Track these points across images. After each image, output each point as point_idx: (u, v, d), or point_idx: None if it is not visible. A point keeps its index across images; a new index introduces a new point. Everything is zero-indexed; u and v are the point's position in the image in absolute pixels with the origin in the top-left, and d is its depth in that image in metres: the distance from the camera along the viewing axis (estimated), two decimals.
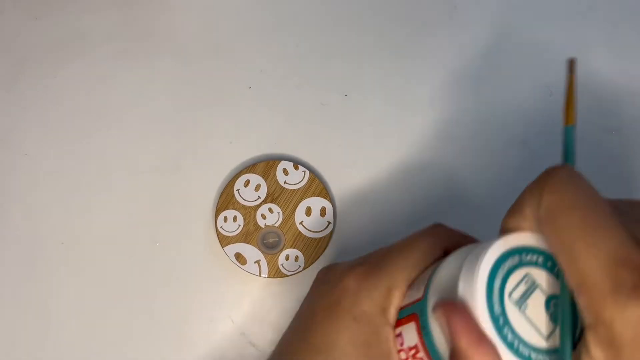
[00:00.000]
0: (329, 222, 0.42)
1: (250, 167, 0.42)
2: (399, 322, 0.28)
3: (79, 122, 0.44)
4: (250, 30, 0.47)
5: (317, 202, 0.42)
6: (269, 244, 0.41)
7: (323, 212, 0.42)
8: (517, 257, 0.23)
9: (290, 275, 0.41)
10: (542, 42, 0.47)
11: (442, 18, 0.47)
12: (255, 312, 0.42)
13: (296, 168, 0.42)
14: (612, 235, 0.20)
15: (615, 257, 0.19)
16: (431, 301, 0.25)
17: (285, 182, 0.42)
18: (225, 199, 0.42)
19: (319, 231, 0.41)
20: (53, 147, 0.44)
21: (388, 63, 0.46)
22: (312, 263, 0.41)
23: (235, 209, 0.42)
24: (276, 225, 0.42)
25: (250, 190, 0.42)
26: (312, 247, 0.41)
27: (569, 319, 0.22)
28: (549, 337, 0.23)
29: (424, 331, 0.25)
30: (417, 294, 0.27)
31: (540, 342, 0.22)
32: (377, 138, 0.45)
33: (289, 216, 0.42)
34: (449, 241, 0.30)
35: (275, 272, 0.41)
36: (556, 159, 0.45)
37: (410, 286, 0.29)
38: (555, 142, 0.45)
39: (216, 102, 0.45)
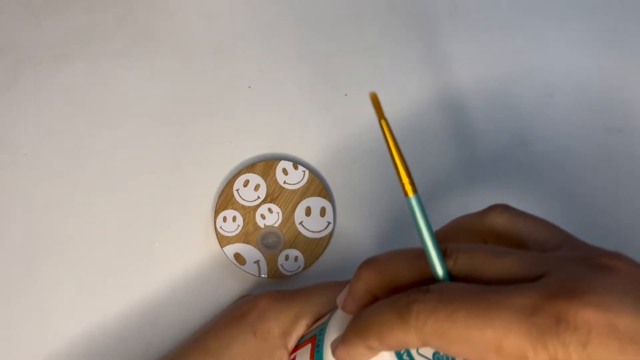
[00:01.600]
0: (329, 222, 0.42)
1: (249, 167, 0.42)
2: (296, 348, 0.29)
3: (79, 122, 0.44)
4: (250, 30, 0.47)
5: (316, 202, 0.42)
6: (269, 244, 0.41)
7: (323, 212, 0.42)
8: None
9: (290, 275, 0.41)
10: (542, 42, 0.47)
11: (442, 18, 0.47)
12: None
13: (296, 168, 0.42)
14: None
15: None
16: (331, 330, 0.26)
17: (284, 182, 0.42)
18: (225, 199, 0.42)
19: (319, 231, 0.41)
20: (53, 147, 0.44)
21: (388, 63, 0.46)
22: (312, 263, 0.41)
23: (234, 209, 0.41)
24: (276, 225, 0.41)
25: (250, 190, 0.42)
26: (311, 247, 0.41)
27: None
28: None
29: (317, 355, 0.26)
30: (320, 322, 0.28)
31: None
32: (377, 138, 0.45)
33: (288, 216, 0.42)
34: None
35: (275, 273, 0.41)
36: (556, 158, 0.45)
37: (318, 320, 0.30)
38: (555, 142, 0.45)
39: (216, 102, 0.45)
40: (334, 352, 0.23)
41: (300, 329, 0.31)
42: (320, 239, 0.41)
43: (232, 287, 0.42)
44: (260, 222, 0.41)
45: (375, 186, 0.44)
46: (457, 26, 0.47)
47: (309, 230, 0.41)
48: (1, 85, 0.45)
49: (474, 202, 0.44)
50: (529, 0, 0.48)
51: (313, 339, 0.28)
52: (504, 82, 0.46)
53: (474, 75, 0.46)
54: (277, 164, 0.42)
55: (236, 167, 0.44)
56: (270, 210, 0.42)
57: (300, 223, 0.41)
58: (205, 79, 0.45)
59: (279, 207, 0.42)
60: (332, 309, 0.29)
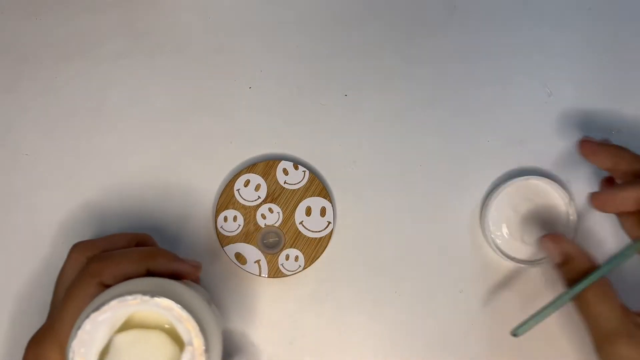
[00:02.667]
0: (329, 222, 0.42)
1: (250, 167, 0.42)
2: None
3: (79, 122, 0.44)
4: (250, 30, 0.47)
5: (317, 202, 0.42)
6: (269, 243, 0.41)
7: (323, 212, 0.42)
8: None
9: (290, 275, 0.41)
10: (542, 42, 0.47)
11: (442, 18, 0.47)
12: (255, 312, 0.42)
13: (296, 168, 0.42)
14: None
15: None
16: None
17: (285, 182, 0.42)
18: (226, 199, 0.42)
19: (319, 231, 0.41)
20: (53, 147, 0.44)
21: (388, 63, 0.46)
22: (312, 263, 0.41)
23: (235, 209, 0.42)
24: (276, 225, 0.42)
25: (250, 190, 0.42)
26: (312, 247, 0.41)
27: None
28: None
29: None
30: None
31: None
32: (377, 138, 0.45)
33: (289, 216, 0.42)
34: (109, 276, 0.31)
35: (275, 272, 0.41)
36: (555, 158, 0.45)
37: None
38: (555, 142, 0.45)
39: (216, 102, 0.45)
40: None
41: None
42: (320, 238, 0.41)
43: (232, 287, 0.42)
44: (261, 222, 0.41)
45: (375, 186, 0.44)
46: (457, 26, 0.47)
47: (309, 230, 0.41)
48: (2, 85, 0.45)
49: (474, 201, 0.44)
50: (529, 0, 0.48)
51: None
52: (503, 80, 0.46)
53: (474, 75, 0.46)
54: (277, 164, 0.42)
55: (237, 167, 0.44)
56: (270, 210, 0.42)
57: (301, 223, 0.42)
58: (205, 79, 0.45)
59: (280, 207, 0.42)
60: None
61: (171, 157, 0.44)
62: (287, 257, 0.41)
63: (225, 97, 0.45)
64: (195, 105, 0.45)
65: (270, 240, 0.41)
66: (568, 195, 0.43)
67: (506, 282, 0.43)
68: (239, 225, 0.41)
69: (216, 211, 0.42)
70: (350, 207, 0.43)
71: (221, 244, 0.41)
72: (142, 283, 0.30)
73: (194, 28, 0.47)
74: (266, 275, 0.41)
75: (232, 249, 0.41)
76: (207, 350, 0.27)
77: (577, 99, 0.46)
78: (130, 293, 0.27)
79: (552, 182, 0.42)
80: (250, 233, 0.41)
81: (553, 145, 0.45)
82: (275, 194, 0.42)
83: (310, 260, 0.41)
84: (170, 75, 0.45)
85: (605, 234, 0.44)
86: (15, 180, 0.44)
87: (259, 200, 0.42)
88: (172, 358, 0.28)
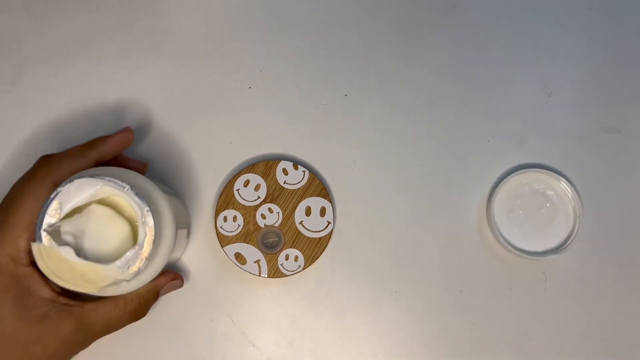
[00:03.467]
0: (329, 222, 0.42)
1: (250, 167, 0.42)
2: None
3: (79, 122, 0.44)
4: (250, 30, 0.47)
5: (317, 202, 0.42)
6: (269, 243, 0.41)
7: (323, 212, 0.42)
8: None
9: (290, 275, 0.41)
10: (542, 42, 0.47)
11: (442, 18, 0.47)
12: (255, 312, 0.42)
13: (296, 168, 0.42)
14: None
15: None
16: None
17: (285, 182, 0.42)
18: (225, 199, 0.42)
19: (319, 231, 0.41)
20: (53, 147, 0.44)
21: (388, 63, 0.46)
22: (312, 263, 0.41)
23: (235, 209, 0.42)
24: (276, 225, 0.42)
25: (250, 190, 0.42)
26: (311, 247, 0.41)
27: None
28: None
29: None
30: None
31: None
32: (377, 138, 0.45)
33: (288, 216, 0.42)
34: (59, 173, 0.33)
35: (275, 272, 0.41)
36: (554, 157, 0.45)
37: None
38: (554, 142, 0.45)
39: (216, 102, 0.45)
40: None
41: (22, 245, 0.32)
42: (321, 238, 0.41)
43: (232, 287, 0.42)
44: (261, 222, 0.41)
45: (375, 186, 0.44)
46: (457, 26, 0.47)
47: (309, 230, 0.41)
48: (3, 85, 0.45)
49: (473, 201, 0.44)
50: (529, 0, 0.48)
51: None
52: (503, 80, 0.46)
53: (474, 75, 0.46)
54: (277, 164, 0.42)
55: (236, 167, 0.44)
56: (270, 210, 0.42)
57: (301, 223, 0.42)
58: (205, 79, 0.45)
59: (279, 207, 0.42)
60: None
61: (171, 157, 0.44)
62: (287, 257, 0.41)
63: (225, 97, 0.45)
64: (195, 105, 0.45)
65: (270, 240, 0.41)
66: (572, 186, 0.43)
67: (506, 282, 0.43)
68: (239, 225, 0.41)
69: (216, 211, 0.42)
70: (350, 207, 0.43)
71: (221, 244, 0.41)
72: (119, 174, 0.32)
73: (194, 28, 0.47)
74: (266, 275, 0.41)
75: (231, 249, 0.41)
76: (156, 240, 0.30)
77: (577, 99, 0.46)
78: (123, 180, 0.30)
79: (556, 174, 0.43)
80: (250, 233, 0.41)
81: (554, 145, 0.45)
82: (275, 194, 0.42)
83: (310, 260, 0.41)
84: (170, 75, 0.45)
85: (609, 225, 0.44)
86: (16, 180, 0.43)
87: (259, 200, 0.42)
88: (124, 244, 0.31)
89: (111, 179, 0.30)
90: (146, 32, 0.46)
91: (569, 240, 0.42)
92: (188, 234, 0.42)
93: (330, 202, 0.42)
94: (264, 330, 0.42)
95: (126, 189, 0.30)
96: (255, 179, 0.42)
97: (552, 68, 0.47)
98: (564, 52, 0.47)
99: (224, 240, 0.41)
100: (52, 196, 0.30)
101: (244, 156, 0.44)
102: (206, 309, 0.42)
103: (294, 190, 0.42)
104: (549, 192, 0.43)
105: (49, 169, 0.33)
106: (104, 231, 0.30)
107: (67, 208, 0.30)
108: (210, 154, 0.44)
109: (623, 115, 0.46)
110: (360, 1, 0.48)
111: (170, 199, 0.35)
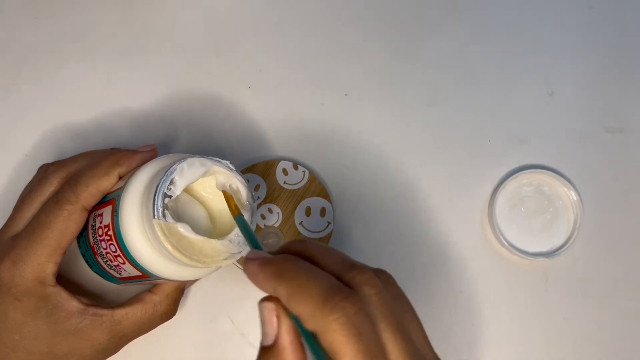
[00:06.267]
0: (329, 222, 0.42)
1: (249, 167, 0.42)
2: (101, 205, 0.33)
3: (79, 122, 0.44)
4: (250, 30, 0.47)
5: (317, 202, 0.42)
6: (269, 244, 0.41)
7: (323, 212, 0.42)
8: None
9: None
10: (542, 41, 0.47)
11: (442, 18, 0.47)
12: (255, 312, 0.42)
13: (296, 168, 0.42)
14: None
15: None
16: (128, 190, 0.31)
17: (284, 182, 0.42)
18: None
19: (319, 231, 0.41)
20: (53, 147, 0.44)
21: (388, 63, 0.46)
22: None
23: None
24: (276, 225, 0.41)
25: None
26: None
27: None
28: None
29: (115, 214, 0.31)
30: (120, 185, 0.33)
31: None
32: (377, 138, 0.45)
33: (288, 216, 0.42)
34: (87, 197, 0.33)
35: None
36: (555, 157, 0.45)
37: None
38: (555, 142, 0.45)
39: (216, 102, 0.45)
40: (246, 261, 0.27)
41: (51, 269, 0.32)
42: (320, 239, 0.41)
43: (232, 287, 0.42)
44: (260, 222, 0.41)
45: (375, 186, 0.44)
46: (457, 26, 0.47)
47: (309, 230, 0.41)
48: (2, 85, 0.45)
49: (474, 202, 0.44)
50: (529, 0, 0.48)
51: (112, 202, 0.32)
52: (503, 80, 0.46)
53: (474, 75, 0.46)
54: (277, 164, 0.42)
55: (236, 167, 0.44)
56: (270, 210, 0.42)
57: (300, 223, 0.41)
58: (205, 79, 0.45)
59: (279, 207, 0.42)
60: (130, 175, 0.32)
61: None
62: None
63: (225, 97, 0.45)
64: (195, 105, 0.45)
65: (270, 240, 0.41)
66: (573, 187, 0.43)
67: (507, 283, 0.43)
68: None
69: None
70: (350, 207, 0.43)
71: None
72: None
73: (193, 28, 0.47)
74: None
75: None
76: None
77: (578, 99, 0.46)
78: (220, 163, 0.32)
79: (558, 175, 0.43)
80: None
81: (555, 145, 0.45)
82: (275, 194, 0.42)
83: None
84: (170, 75, 0.45)
85: (610, 225, 0.44)
86: (16, 181, 0.44)
87: (259, 201, 0.42)
88: (208, 225, 0.33)
89: (218, 159, 0.32)
90: (146, 31, 0.46)
91: (570, 241, 0.42)
92: None
93: (330, 202, 0.42)
94: None
95: (233, 169, 0.32)
96: (255, 179, 0.42)
97: (553, 67, 0.46)
98: (565, 51, 0.47)
99: None
100: (168, 174, 0.30)
101: (244, 156, 0.44)
102: (206, 310, 0.41)
103: (294, 190, 0.42)
104: (551, 193, 0.43)
105: (76, 193, 0.33)
106: (192, 214, 0.32)
107: (181, 185, 0.30)
108: (209, 154, 0.44)
109: (624, 114, 0.46)
110: (360, 1, 0.47)
111: None
